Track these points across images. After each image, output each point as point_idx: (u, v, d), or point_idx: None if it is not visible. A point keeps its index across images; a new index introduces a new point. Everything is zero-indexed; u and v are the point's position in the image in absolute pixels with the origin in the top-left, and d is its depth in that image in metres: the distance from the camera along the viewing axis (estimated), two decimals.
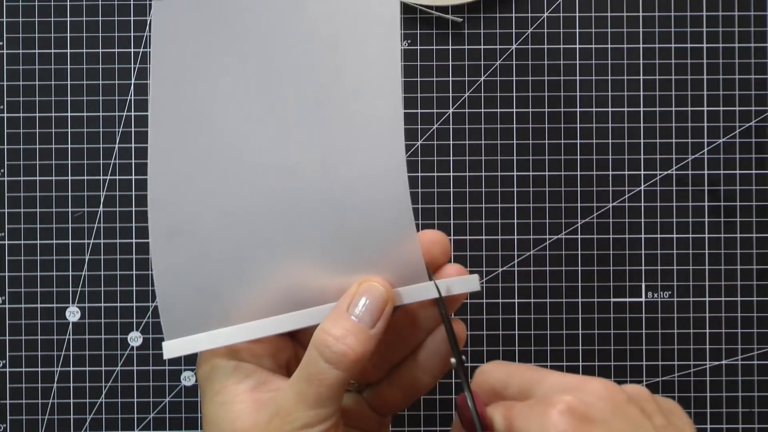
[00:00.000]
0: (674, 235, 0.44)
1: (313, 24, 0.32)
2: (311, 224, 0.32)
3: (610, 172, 0.44)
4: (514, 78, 0.44)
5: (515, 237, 0.44)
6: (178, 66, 0.32)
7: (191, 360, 0.44)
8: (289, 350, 0.34)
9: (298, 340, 0.34)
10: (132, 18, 0.44)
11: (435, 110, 0.44)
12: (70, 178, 0.44)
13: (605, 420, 0.28)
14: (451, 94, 0.44)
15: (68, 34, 0.44)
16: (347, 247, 0.32)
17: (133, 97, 0.44)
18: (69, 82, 0.44)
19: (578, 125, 0.44)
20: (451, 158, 0.44)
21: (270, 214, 0.32)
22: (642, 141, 0.44)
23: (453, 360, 0.32)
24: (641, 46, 0.44)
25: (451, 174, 0.44)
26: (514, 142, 0.44)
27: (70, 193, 0.44)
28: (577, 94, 0.44)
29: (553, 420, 0.27)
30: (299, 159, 0.32)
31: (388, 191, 0.32)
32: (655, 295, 0.44)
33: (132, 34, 0.44)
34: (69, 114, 0.44)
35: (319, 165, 0.32)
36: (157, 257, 0.32)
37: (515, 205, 0.44)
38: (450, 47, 0.44)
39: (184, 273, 0.32)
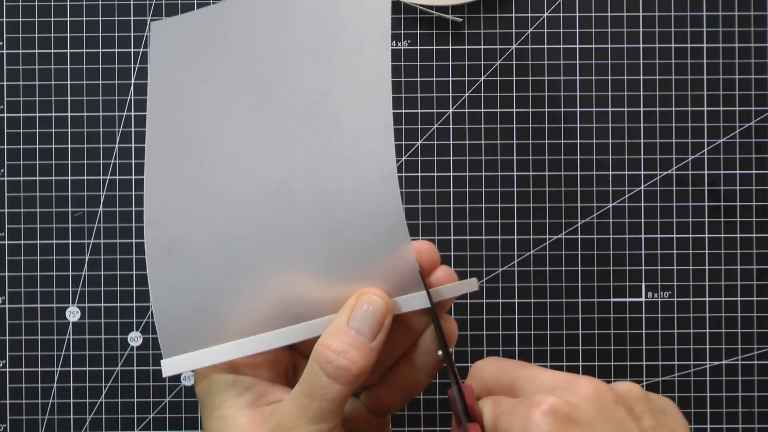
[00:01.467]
0: (674, 235, 0.44)
1: (304, 40, 0.33)
2: (305, 237, 0.32)
3: (610, 172, 0.44)
4: (514, 78, 0.44)
5: (515, 237, 0.44)
6: (174, 86, 0.33)
7: None
8: (287, 359, 0.34)
9: (296, 348, 0.34)
10: (132, 18, 0.44)
11: (435, 110, 0.44)
12: (70, 178, 0.44)
13: (589, 421, 0.27)
14: (451, 94, 0.44)
15: (68, 34, 0.44)
16: (342, 258, 0.32)
17: (133, 97, 0.44)
18: (69, 82, 0.44)
19: (578, 125, 0.44)
20: (451, 158, 0.44)
21: (264, 229, 0.33)
22: (642, 141, 0.44)
23: (440, 352, 0.32)
24: (641, 46, 0.44)
25: (451, 174, 0.44)
26: (514, 142, 0.44)
27: (70, 193, 0.44)
28: (577, 94, 0.44)
29: (535, 420, 0.27)
30: (292, 173, 0.33)
31: (381, 203, 0.32)
32: (655, 295, 0.44)
33: (132, 34, 0.44)
34: (69, 114, 0.44)
35: (312, 178, 0.32)
36: (154, 275, 0.32)
37: (515, 205, 0.44)
38: (450, 47, 0.44)
39: (180, 290, 0.32)
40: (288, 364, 0.34)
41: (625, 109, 0.44)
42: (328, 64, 0.32)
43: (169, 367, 0.33)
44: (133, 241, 0.44)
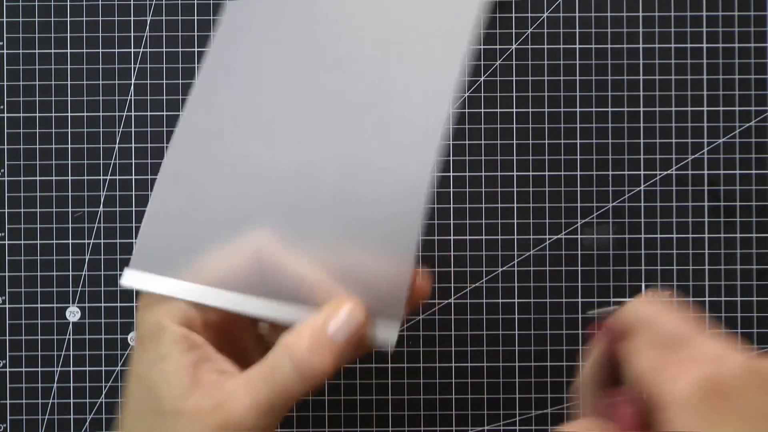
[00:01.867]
0: (674, 235, 0.44)
1: (379, 23, 0.32)
2: (314, 219, 0.32)
3: (610, 172, 0.44)
4: (514, 78, 0.44)
5: (515, 237, 0.44)
6: (240, 32, 0.34)
7: None
8: (240, 333, 0.34)
9: (252, 323, 0.34)
10: (132, 18, 0.44)
11: None
12: (70, 178, 0.44)
13: (739, 397, 0.26)
14: None
15: (68, 34, 0.44)
16: (341, 257, 0.32)
17: (133, 97, 0.44)
18: (69, 82, 0.44)
19: (578, 125, 0.44)
20: (451, 158, 0.44)
21: (276, 198, 0.32)
22: (642, 141, 0.44)
23: (594, 311, 0.32)
24: (641, 46, 0.44)
25: (451, 174, 0.44)
26: (514, 142, 0.44)
27: (70, 193, 0.44)
28: (577, 94, 0.44)
29: (686, 387, 0.27)
30: (322, 155, 0.32)
31: (399, 216, 0.31)
32: None
33: (132, 34, 0.44)
34: (69, 114, 0.44)
35: (340, 165, 0.32)
36: (157, 194, 0.33)
37: (515, 205, 0.44)
38: None
39: (175, 215, 0.33)
40: (240, 339, 0.34)
41: (625, 109, 0.44)
42: (394, 48, 0.32)
43: (129, 278, 0.32)
44: (133, 241, 0.44)
